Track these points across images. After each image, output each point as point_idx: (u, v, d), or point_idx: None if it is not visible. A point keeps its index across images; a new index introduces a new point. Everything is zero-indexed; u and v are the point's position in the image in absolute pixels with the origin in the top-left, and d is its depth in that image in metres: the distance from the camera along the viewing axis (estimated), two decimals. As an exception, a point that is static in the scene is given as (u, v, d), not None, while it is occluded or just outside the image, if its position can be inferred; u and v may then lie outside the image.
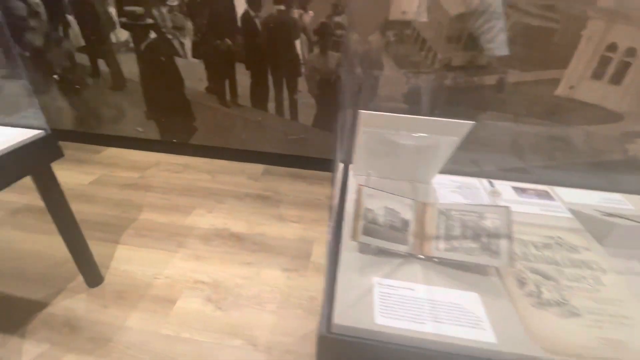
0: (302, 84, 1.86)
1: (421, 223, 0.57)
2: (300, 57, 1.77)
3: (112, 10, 1.81)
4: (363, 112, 0.60)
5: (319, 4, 1.63)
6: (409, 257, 0.55)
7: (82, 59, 1.98)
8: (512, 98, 1.76)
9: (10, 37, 0.89)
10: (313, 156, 2.10)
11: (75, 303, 1.21)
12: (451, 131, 0.63)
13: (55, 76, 2.07)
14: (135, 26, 1.82)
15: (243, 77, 1.90)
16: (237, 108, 2.01)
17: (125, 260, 1.39)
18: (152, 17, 1.78)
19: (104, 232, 1.53)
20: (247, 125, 2.07)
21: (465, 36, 1.63)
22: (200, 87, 1.97)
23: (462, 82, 1.74)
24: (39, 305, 1.19)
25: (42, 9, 1.89)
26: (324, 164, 2.11)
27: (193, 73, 1.93)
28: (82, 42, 1.93)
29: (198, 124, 2.11)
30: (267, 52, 1.79)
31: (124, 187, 1.88)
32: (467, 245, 0.52)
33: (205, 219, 1.67)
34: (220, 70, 1.90)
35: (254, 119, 2.04)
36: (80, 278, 1.29)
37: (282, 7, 1.66)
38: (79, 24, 1.88)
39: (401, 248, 0.55)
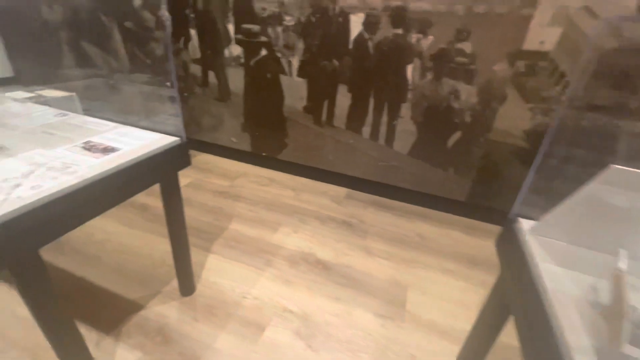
0: (404, 110, 1.76)
1: None
2: (409, 82, 1.68)
3: (231, 27, 1.91)
4: (616, 168, 0.45)
5: (441, 29, 1.53)
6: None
7: (195, 69, 2.13)
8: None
9: (170, 48, 0.92)
10: (402, 186, 1.96)
11: (169, 310, 1.19)
12: None
13: (168, 83, 2.25)
14: (249, 43, 1.90)
15: (343, 98, 1.86)
16: (331, 129, 1.97)
17: (216, 272, 1.37)
18: (267, 35, 1.84)
19: (197, 238, 1.55)
20: (336, 146, 2.01)
21: (617, 73, 1.38)
22: (299, 105, 1.98)
23: (604, 124, 1.48)
24: (135, 307, 1.20)
25: (169, 22, 2.08)
26: (413, 196, 1.95)
27: (295, 91, 1.94)
28: (198, 55, 2.08)
29: (289, 140, 2.12)
30: (374, 75, 1.73)
31: (216, 194, 1.92)
32: None
33: (291, 239, 1.60)
34: (321, 90, 1.88)
35: (346, 141, 1.97)
36: (173, 283, 1.29)
37: (400, 31, 1.59)
38: (199, 37, 2.02)
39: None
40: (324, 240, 1.62)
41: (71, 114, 1.06)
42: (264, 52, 1.89)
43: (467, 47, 1.52)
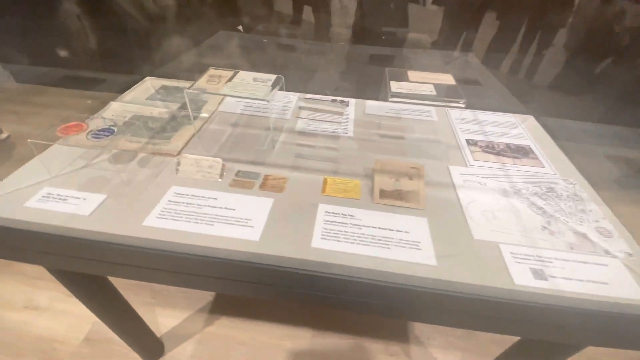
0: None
1: None
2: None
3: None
4: None
5: None
6: None
7: (283, 6, 1.63)
8: None
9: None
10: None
11: None
12: None
13: (239, 27, 1.72)
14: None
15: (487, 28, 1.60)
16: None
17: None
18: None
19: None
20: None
21: None
22: (425, 40, 1.68)
23: None
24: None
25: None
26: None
27: (423, 23, 1.62)
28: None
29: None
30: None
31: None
32: None
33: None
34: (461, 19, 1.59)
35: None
36: None
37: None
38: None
39: None
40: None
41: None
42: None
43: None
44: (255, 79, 0.58)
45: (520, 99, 0.83)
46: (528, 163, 0.60)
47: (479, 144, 0.64)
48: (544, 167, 0.59)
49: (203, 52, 1.12)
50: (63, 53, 1.48)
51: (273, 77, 0.59)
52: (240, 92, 0.53)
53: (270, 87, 0.56)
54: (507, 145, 0.64)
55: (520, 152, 0.63)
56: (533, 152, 0.62)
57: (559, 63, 1.62)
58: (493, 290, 0.39)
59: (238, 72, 0.60)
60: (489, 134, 0.67)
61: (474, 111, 0.74)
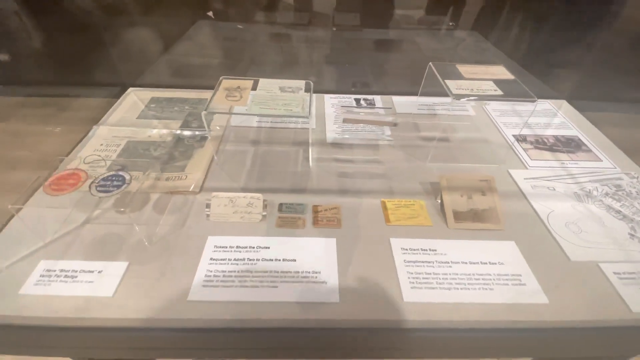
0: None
1: None
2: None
3: None
4: None
5: None
6: None
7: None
8: None
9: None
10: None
11: None
12: None
13: (209, 13, 1.52)
14: None
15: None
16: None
17: None
18: None
19: None
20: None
21: None
22: (415, 16, 1.58)
23: None
24: None
25: None
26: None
27: None
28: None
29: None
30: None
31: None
32: None
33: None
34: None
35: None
36: None
37: None
38: None
39: None
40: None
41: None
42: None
43: None
44: (282, 88, 0.48)
45: (546, 81, 0.78)
46: (584, 157, 0.56)
47: (528, 139, 0.59)
48: (601, 160, 0.55)
49: (186, 48, 0.97)
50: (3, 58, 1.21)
51: (302, 83, 0.49)
52: (276, 109, 0.43)
53: (306, 98, 0.46)
54: (557, 138, 0.59)
55: (572, 144, 0.58)
56: (584, 144, 0.58)
57: (575, 37, 1.56)
58: (613, 322, 0.35)
59: (259, 80, 0.49)
60: (533, 127, 0.62)
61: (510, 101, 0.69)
